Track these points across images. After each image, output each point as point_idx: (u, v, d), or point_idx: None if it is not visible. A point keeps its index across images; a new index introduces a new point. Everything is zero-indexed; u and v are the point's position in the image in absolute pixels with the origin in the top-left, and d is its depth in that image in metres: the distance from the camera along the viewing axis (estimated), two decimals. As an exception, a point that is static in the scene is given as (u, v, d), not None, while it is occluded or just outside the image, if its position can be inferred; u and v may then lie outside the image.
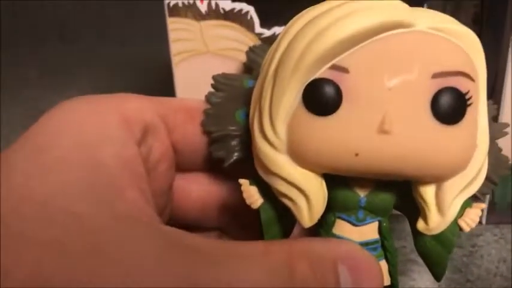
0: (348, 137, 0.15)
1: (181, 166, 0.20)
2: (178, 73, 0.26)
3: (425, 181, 0.16)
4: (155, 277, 0.13)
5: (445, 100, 0.15)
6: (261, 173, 0.17)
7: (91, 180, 0.15)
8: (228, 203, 0.21)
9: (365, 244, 0.17)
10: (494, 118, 0.19)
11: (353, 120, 0.15)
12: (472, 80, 0.15)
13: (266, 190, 0.17)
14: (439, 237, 0.17)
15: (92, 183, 0.15)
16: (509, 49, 0.26)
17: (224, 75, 0.20)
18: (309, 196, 0.16)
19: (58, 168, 0.15)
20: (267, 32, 0.26)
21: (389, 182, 0.17)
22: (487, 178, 0.18)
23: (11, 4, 0.63)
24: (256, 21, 0.25)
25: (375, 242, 0.18)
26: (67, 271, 0.12)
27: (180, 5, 0.25)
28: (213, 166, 0.21)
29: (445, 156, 0.15)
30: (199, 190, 0.21)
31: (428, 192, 0.16)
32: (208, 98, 0.20)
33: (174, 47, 0.25)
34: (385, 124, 0.15)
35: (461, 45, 0.15)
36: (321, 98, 0.15)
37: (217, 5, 0.25)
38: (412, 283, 0.27)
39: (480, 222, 0.31)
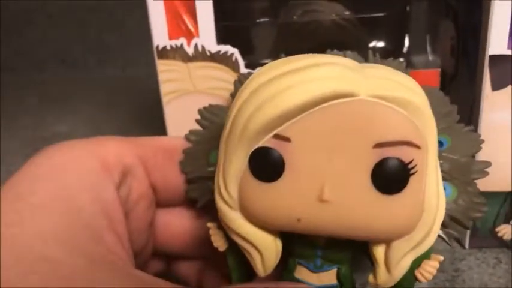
0: (290, 204, 0.16)
1: (163, 202, 0.21)
2: (169, 111, 0.27)
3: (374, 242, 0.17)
4: None
5: (386, 171, 0.15)
6: (224, 226, 0.18)
7: (69, 227, 0.15)
8: (209, 235, 0.22)
9: None
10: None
11: (294, 188, 0.16)
12: (418, 147, 0.15)
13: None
14: (396, 285, 0.17)
15: (69, 229, 0.15)
16: (483, 80, 0.27)
17: (210, 109, 0.21)
18: (261, 251, 0.17)
19: (37, 216, 0.15)
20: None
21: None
22: (459, 222, 0.18)
23: (13, 30, 0.64)
24: (241, 62, 0.27)
25: (334, 286, 0.18)
26: None
27: (168, 47, 0.26)
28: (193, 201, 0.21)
29: (386, 224, 0.16)
30: (181, 223, 0.22)
31: (378, 249, 0.17)
32: (188, 137, 0.21)
33: (164, 88, 0.27)
34: (324, 194, 0.15)
35: (405, 113, 0.15)
36: (264, 166, 0.16)
37: (203, 47, 0.26)
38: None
39: (463, 247, 0.32)
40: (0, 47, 0.64)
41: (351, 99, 0.15)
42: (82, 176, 0.17)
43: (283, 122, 0.15)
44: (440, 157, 0.17)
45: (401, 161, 0.15)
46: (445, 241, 0.18)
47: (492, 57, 0.27)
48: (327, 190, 0.15)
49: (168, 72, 0.26)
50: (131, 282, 0.15)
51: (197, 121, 0.21)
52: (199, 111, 0.21)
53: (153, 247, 0.22)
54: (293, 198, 0.16)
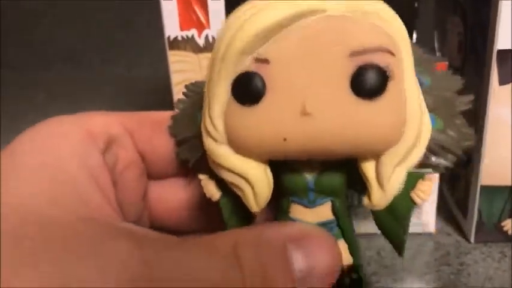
0: (274, 123, 0.16)
1: (155, 174, 0.22)
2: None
3: (363, 157, 0.17)
4: (108, 264, 0.14)
5: (364, 76, 0.15)
6: (212, 167, 0.18)
7: (57, 189, 0.16)
8: (204, 205, 0.22)
9: (321, 225, 0.18)
10: (459, 92, 0.19)
11: (277, 107, 0.16)
12: (392, 54, 0.16)
13: (224, 185, 0.18)
14: (392, 212, 0.17)
15: (58, 191, 0.16)
16: (491, 75, 0.28)
17: (195, 83, 0.21)
18: (253, 184, 0.17)
19: (30, 182, 0.16)
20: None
21: (336, 163, 0.17)
22: (450, 151, 0.18)
23: (21, 28, 0.65)
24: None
25: (331, 222, 0.18)
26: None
27: (180, 38, 0.27)
28: (187, 171, 0.21)
29: (370, 130, 0.16)
30: (176, 196, 0.22)
31: (368, 167, 0.17)
32: (175, 105, 0.21)
33: (175, 78, 0.27)
34: (306, 106, 0.15)
35: (377, 23, 0.16)
36: (246, 90, 0.16)
37: (214, 38, 0.27)
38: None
39: (469, 241, 0.32)
40: (7, 46, 0.65)
41: (324, 15, 0.16)
42: (68, 143, 0.18)
43: (261, 43, 0.16)
44: (422, 93, 0.17)
45: (377, 66, 0.15)
46: (437, 170, 0.18)
47: (499, 52, 0.27)
48: (309, 103, 0.15)
49: (179, 63, 0.27)
50: (120, 234, 0.15)
51: (183, 93, 0.21)
52: (185, 86, 0.21)
53: (149, 223, 0.22)
54: (277, 117, 0.16)
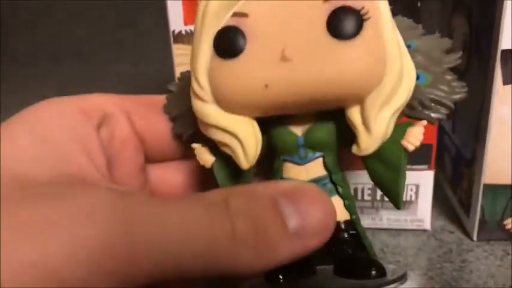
0: (255, 71, 0.16)
1: (154, 156, 0.22)
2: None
3: (347, 103, 0.17)
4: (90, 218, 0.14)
5: (339, 18, 0.16)
6: (201, 129, 0.18)
7: (43, 152, 0.16)
8: (205, 186, 0.22)
9: (314, 182, 0.18)
10: (447, 51, 0.19)
11: (257, 56, 0.16)
12: None
13: (217, 150, 0.18)
14: (386, 163, 0.17)
15: (43, 153, 0.16)
16: (495, 75, 0.28)
17: (188, 71, 0.21)
18: (241, 139, 0.17)
19: (8, 141, 0.16)
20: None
21: (324, 117, 0.18)
22: (441, 104, 0.18)
23: (29, 24, 0.65)
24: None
25: (323, 178, 0.18)
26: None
27: (183, 32, 0.27)
28: (186, 152, 0.22)
29: (349, 69, 0.16)
30: (176, 177, 0.22)
31: (353, 114, 0.17)
32: (169, 86, 0.21)
33: (178, 71, 0.27)
34: (285, 52, 0.16)
35: None
36: (226, 43, 0.17)
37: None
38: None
39: (471, 239, 0.32)
40: (16, 41, 0.66)
41: None
42: (59, 116, 0.18)
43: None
44: (410, 53, 0.18)
45: (351, 8, 0.16)
46: (431, 122, 0.18)
47: (503, 52, 0.27)
48: (288, 48, 0.16)
49: (182, 56, 0.27)
50: (104, 193, 0.15)
51: (177, 79, 0.22)
52: (180, 73, 0.22)
53: None
54: (258, 65, 0.16)
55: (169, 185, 0.22)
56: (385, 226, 0.33)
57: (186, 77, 0.21)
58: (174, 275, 0.15)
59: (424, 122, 0.18)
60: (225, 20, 0.17)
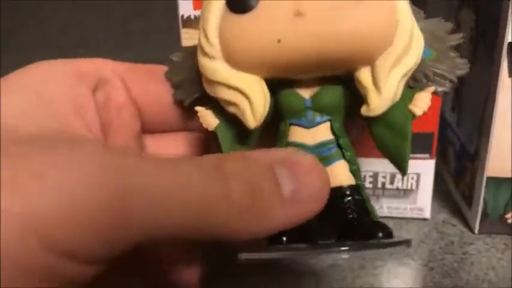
0: (268, 26, 0.16)
1: (151, 125, 0.21)
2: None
3: (358, 64, 0.17)
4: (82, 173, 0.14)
5: None
6: (207, 89, 0.18)
7: (32, 105, 0.16)
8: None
9: (320, 145, 0.18)
10: (450, 32, 0.20)
11: (271, 11, 0.16)
12: None
13: (222, 113, 0.18)
14: (392, 126, 0.18)
15: (35, 110, 0.16)
16: (501, 68, 0.28)
17: (191, 45, 0.21)
18: (249, 95, 0.17)
19: (8, 99, 0.16)
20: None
21: (332, 80, 0.18)
22: (446, 78, 0.19)
23: (37, 13, 0.66)
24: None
25: (330, 142, 0.18)
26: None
27: (192, 17, 0.27)
28: (183, 124, 0.21)
29: (363, 28, 0.16)
30: (174, 147, 0.22)
31: (363, 75, 0.17)
32: (171, 57, 0.21)
33: (186, 55, 0.28)
34: (300, 6, 0.16)
35: None
36: None
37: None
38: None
39: (473, 232, 0.32)
40: (24, 31, 0.66)
41: None
42: (55, 75, 0.18)
43: None
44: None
45: None
46: (436, 94, 0.19)
47: (510, 44, 0.27)
48: (302, 3, 0.16)
49: (190, 40, 0.27)
50: (93, 148, 0.15)
51: (180, 50, 0.22)
52: (182, 47, 0.22)
53: None
54: (271, 20, 0.16)
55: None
56: (386, 214, 0.33)
57: (189, 50, 0.21)
58: (165, 239, 0.15)
59: (432, 89, 0.18)
60: None
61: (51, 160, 0.13)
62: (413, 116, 0.17)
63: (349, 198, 0.18)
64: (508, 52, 0.28)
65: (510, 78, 0.28)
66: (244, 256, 0.16)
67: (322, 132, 0.18)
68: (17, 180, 0.13)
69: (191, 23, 0.27)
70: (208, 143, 0.21)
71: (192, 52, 0.20)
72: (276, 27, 0.16)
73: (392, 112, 0.17)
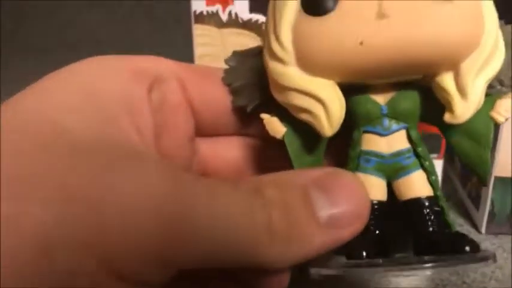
0: (350, 27, 0.15)
1: (206, 128, 0.20)
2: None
3: (440, 69, 0.16)
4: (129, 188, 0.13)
5: None
6: (276, 96, 0.17)
7: (83, 104, 0.15)
8: (260, 164, 0.21)
9: (397, 154, 0.17)
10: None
11: (352, 12, 0.15)
12: None
13: (289, 120, 0.18)
14: (473, 135, 0.17)
15: (83, 106, 0.15)
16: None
17: (240, 51, 0.21)
18: (324, 101, 0.16)
19: (52, 92, 0.15)
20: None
21: (409, 87, 0.17)
22: (502, 83, 0.18)
23: (45, 12, 0.66)
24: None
25: (407, 151, 0.17)
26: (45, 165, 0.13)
27: (205, 13, 0.27)
28: (238, 128, 0.21)
29: (449, 32, 0.15)
30: (229, 152, 0.21)
31: (446, 80, 0.16)
32: (226, 61, 0.20)
33: (198, 51, 0.28)
34: (383, 8, 0.15)
35: None
36: None
37: (236, 14, 0.28)
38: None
39: (480, 232, 0.32)
40: (32, 29, 0.66)
41: None
42: (109, 74, 0.17)
43: None
44: None
45: None
46: (497, 96, 0.18)
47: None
48: (385, 5, 0.15)
49: (202, 36, 0.28)
50: (149, 157, 0.15)
51: (231, 55, 0.21)
52: (233, 52, 0.20)
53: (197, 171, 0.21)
54: (352, 22, 0.15)
55: (220, 160, 0.21)
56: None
57: (242, 53, 0.20)
58: (207, 265, 0.14)
59: None
60: None
61: (117, 178, 0.13)
62: (496, 123, 0.17)
63: (428, 210, 0.17)
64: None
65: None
66: (319, 272, 0.16)
67: (399, 141, 0.18)
68: (83, 196, 0.13)
69: (203, 18, 0.27)
70: (263, 149, 0.20)
71: (247, 55, 0.20)
72: (357, 29, 0.15)
73: (473, 119, 0.17)
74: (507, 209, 0.31)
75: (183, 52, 0.33)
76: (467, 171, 0.34)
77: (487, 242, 0.31)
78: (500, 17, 0.18)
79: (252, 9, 0.27)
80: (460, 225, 0.33)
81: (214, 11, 0.27)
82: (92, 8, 0.65)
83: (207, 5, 0.27)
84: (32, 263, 0.12)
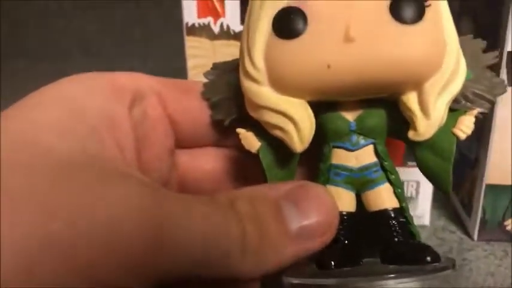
0: (318, 51, 0.16)
1: (185, 140, 0.21)
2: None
3: (405, 89, 0.17)
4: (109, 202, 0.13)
5: (403, 2, 0.16)
6: (251, 112, 0.18)
7: (66, 121, 0.16)
8: (238, 174, 0.22)
9: (364, 169, 0.18)
10: (483, 51, 0.20)
11: (320, 36, 0.16)
12: None
13: (263, 135, 0.18)
14: (436, 150, 0.18)
15: (67, 123, 0.16)
16: (500, 77, 0.28)
17: (221, 62, 0.21)
18: (295, 120, 0.17)
19: (35, 110, 0.16)
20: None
21: (376, 103, 0.18)
22: (485, 98, 0.19)
23: (39, 18, 0.66)
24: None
25: (374, 165, 0.18)
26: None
27: (197, 25, 0.28)
28: (217, 140, 0.21)
29: (412, 55, 0.16)
30: (207, 164, 0.22)
31: (411, 99, 0.17)
32: (205, 75, 0.21)
33: (190, 62, 0.28)
34: (349, 32, 0.16)
35: None
36: (287, 23, 0.17)
37: (228, 26, 0.28)
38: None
39: (472, 239, 0.32)
40: (26, 36, 0.67)
41: None
42: (91, 91, 0.17)
43: None
44: None
45: None
46: (476, 115, 0.18)
47: (509, 53, 0.28)
48: (352, 29, 0.16)
49: (194, 48, 0.28)
50: (130, 175, 0.15)
51: (211, 68, 0.21)
52: (213, 64, 0.21)
53: (177, 191, 0.22)
54: (320, 45, 0.16)
55: (199, 171, 0.22)
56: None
57: (221, 67, 0.21)
58: (184, 276, 0.15)
59: (475, 111, 0.18)
60: (284, 2, 0.17)
61: (99, 193, 0.14)
62: (458, 139, 0.18)
63: (394, 221, 0.18)
64: (507, 61, 0.28)
65: (510, 87, 0.28)
66: (291, 280, 0.17)
67: (366, 155, 0.18)
68: (65, 209, 0.13)
69: (195, 30, 0.28)
70: (241, 159, 0.21)
71: (225, 69, 0.20)
72: (325, 52, 0.16)
73: (437, 135, 0.18)
74: (498, 216, 0.31)
75: (176, 62, 0.33)
76: (460, 179, 0.34)
77: (479, 249, 0.32)
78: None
79: (243, 21, 0.27)
80: (452, 231, 0.33)
81: (206, 23, 0.27)
82: (85, 16, 0.65)
83: (199, 17, 0.27)
84: (14, 282, 0.12)
